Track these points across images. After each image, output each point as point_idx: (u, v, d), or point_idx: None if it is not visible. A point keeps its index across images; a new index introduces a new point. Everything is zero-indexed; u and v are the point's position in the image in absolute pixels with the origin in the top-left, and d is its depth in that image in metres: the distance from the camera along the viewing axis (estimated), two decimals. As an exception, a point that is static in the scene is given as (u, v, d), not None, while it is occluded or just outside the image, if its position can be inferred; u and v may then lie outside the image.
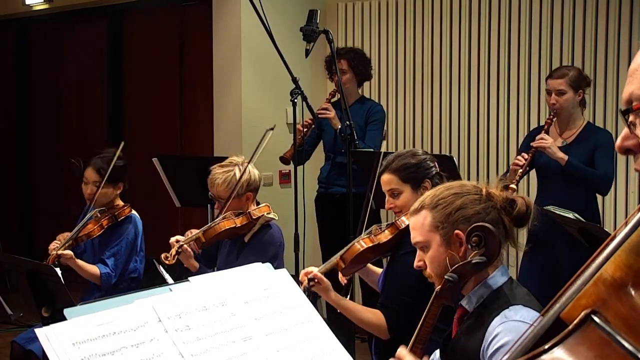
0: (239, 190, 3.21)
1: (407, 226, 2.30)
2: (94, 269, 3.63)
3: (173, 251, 3.15)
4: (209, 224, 3.23)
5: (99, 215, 3.69)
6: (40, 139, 6.96)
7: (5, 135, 7.16)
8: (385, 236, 2.67)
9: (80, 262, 3.60)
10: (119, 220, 3.71)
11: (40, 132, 6.96)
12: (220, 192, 3.24)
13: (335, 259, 2.69)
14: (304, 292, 2.54)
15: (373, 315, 2.62)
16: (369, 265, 2.95)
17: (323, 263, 2.82)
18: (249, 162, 3.29)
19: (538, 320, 1.04)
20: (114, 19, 6.34)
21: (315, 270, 2.61)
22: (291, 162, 4.32)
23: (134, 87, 6.31)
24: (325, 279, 2.59)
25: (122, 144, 3.77)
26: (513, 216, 1.89)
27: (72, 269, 3.56)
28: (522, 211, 1.89)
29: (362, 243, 2.69)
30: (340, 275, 2.82)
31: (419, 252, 1.97)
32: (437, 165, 2.73)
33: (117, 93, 6.38)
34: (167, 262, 3.13)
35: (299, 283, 2.03)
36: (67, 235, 3.64)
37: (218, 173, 3.25)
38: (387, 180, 2.69)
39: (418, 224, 1.94)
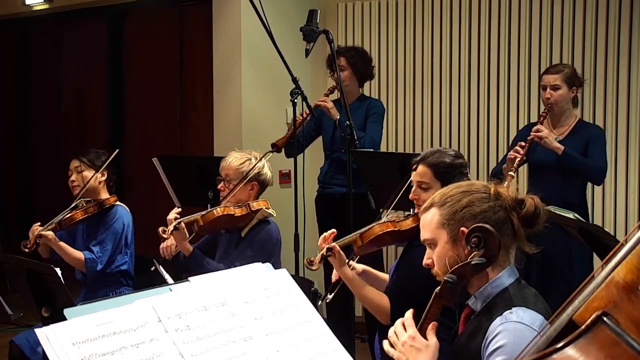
0: (249, 175, 3.28)
1: None
2: (78, 253, 3.70)
3: (171, 227, 3.18)
4: (209, 209, 3.26)
5: (84, 204, 3.77)
6: (40, 139, 6.95)
7: (5, 135, 7.15)
8: (407, 224, 2.71)
9: (63, 244, 3.67)
10: (105, 207, 3.78)
11: (41, 132, 6.94)
12: (231, 172, 3.33)
13: (354, 235, 2.71)
14: (322, 259, 2.55)
15: (380, 297, 2.66)
16: (376, 272, 2.96)
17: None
18: (258, 160, 3.36)
19: (547, 326, 1.05)
20: (114, 19, 6.34)
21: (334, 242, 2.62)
22: (283, 151, 4.32)
23: (134, 87, 6.31)
24: (342, 252, 2.62)
25: (117, 151, 3.98)
26: (521, 216, 1.89)
27: (67, 266, 3.59)
28: (531, 211, 1.89)
29: (383, 226, 2.71)
30: (333, 274, 2.84)
31: (427, 250, 1.99)
32: (467, 174, 2.76)
33: (117, 93, 6.38)
34: (164, 235, 3.19)
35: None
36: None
37: (235, 154, 3.39)
38: (421, 172, 2.71)
39: (427, 221, 1.97)
